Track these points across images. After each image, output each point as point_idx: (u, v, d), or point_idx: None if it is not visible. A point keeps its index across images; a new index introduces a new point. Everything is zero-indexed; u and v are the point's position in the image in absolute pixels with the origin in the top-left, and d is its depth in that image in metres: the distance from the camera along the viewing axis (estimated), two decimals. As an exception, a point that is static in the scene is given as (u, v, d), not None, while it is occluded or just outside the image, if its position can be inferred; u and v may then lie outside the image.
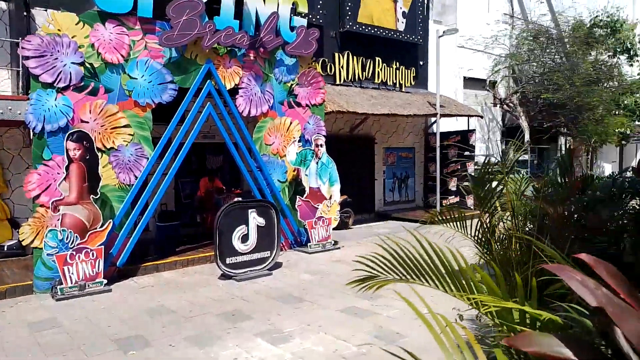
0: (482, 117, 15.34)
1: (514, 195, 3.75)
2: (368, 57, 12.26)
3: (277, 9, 8.65)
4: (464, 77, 15.74)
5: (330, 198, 9.20)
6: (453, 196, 13.72)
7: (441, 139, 12.99)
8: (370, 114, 10.95)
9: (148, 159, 7.47)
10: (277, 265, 7.83)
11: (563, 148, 18.67)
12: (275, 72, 8.91)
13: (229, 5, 8.01)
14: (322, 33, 10.66)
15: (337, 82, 11.64)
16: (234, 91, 8.44)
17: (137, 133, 7.40)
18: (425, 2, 13.77)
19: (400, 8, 13.04)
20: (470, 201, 13.45)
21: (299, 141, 9.13)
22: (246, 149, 8.69)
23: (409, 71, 13.16)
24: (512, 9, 17.68)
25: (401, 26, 13.01)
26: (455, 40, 14.88)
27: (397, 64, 12.91)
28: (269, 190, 8.79)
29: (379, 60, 12.45)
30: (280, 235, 7.91)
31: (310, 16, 10.14)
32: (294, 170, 9.13)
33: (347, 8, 11.75)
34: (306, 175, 8.91)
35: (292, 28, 8.97)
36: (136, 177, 7.36)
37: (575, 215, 3.17)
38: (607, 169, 21.27)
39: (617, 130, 17.21)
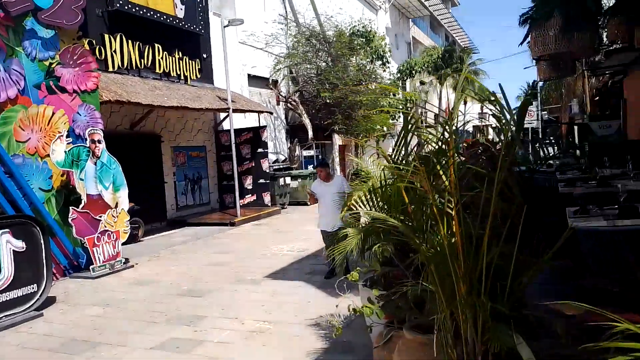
0: (272, 113, 15.25)
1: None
2: (146, 44, 10.58)
3: (22, -38, 6.49)
4: (249, 75, 15.36)
5: (117, 206, 7.40)
6: (250, 195, 13.16)
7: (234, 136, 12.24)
8: (157, 106, 9.40)
9: None
10: (50, 302, 5.78)
11: (336, 144, 20.14)
12: (25, 46, 6.66)
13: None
14: (86, 10, 8.61)
15: (110, 69, 9.66)
16: (-42, 67, 5.95)
17: None
18: (204, -10, 12.78)
19: (178, -7, 11.74)
20: (267, 198, 13.13)
21: (68, 136, 7.06)
22: (-14, 149, 6.25)
23: (193, 62, 11.94)
24: (286, 11, 18.16)
25: (180, 13, 11.72)
26: (237, 35, 14.34)
27: (180, 53, 11.57)
28: (26, 202, 6.52)
29: (159, 48, 10.89)
30: (51, 260, 5.87)
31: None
32: (62, 174, 7.02)
33: (116, -17, 9.88)
34: (81, 179, 6.92)
35: (46, -10, 6.89)
36: None
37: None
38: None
39: (381, 127, 19.46)
